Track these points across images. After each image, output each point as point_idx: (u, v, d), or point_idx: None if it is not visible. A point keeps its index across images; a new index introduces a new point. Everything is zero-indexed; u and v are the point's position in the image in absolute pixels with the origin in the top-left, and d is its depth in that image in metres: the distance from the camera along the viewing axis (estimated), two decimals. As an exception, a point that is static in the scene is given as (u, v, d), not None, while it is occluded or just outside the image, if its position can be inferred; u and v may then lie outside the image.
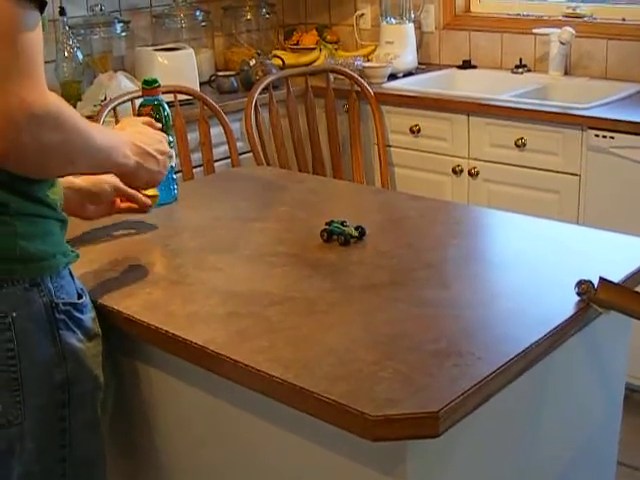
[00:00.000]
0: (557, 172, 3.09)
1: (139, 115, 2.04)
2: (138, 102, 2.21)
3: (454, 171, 3.33)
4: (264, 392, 1.31)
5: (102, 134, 1.45)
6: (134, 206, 1.79)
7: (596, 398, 1.71)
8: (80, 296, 1.47)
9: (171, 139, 2.05)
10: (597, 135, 2.97)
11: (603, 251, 1.73)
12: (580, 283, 1.48)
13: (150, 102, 2.03)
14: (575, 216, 3.04)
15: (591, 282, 1.47)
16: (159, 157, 1.63)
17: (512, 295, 1.54)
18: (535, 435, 1.53)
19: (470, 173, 3.29)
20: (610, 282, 1.48)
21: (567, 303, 1.47)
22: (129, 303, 1.55)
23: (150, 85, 2.03)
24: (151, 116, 2.00)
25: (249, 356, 1.34)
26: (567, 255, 1.71)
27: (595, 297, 1.47)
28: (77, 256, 1.48)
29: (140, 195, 1.78)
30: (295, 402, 1.27)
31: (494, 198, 3.23)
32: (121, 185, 1.71)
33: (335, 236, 1.79)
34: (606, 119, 2.97)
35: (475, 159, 3.29)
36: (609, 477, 1.85)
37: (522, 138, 3.13)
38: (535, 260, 1.69)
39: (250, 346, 1.38)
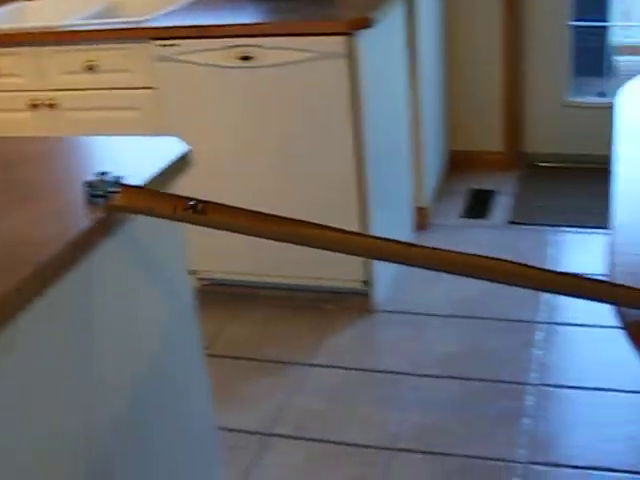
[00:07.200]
0: (133, 89, 3.06)
1: None
2: None
3: (32, 106, 3.20)
4: None
5: None
6: None
7: (158, 302, 1.70)
8: None
9: None
10: (163, 45, 2.97)
11: (130, 156, 1.70)
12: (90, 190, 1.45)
13: None
14: (159, 128, 3.04)
15: (107, 191, 1.45)
16: None
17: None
18: (92, 354, 1.48)
19: (49, 105, 3.17)
20: (130, 186, 1.47)
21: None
22: None
23: None
24: None
25: None
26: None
27: (114, 205, 1.45)
28: None
29: None
30: None
31: (78, 127, 3.15)
32: None
33: None
34: (168, 27, 2.98)
35: (51, 90, 3.17)
36: (200, 383, 1.87)
37: (92, 60, 3.06)
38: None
39: None
